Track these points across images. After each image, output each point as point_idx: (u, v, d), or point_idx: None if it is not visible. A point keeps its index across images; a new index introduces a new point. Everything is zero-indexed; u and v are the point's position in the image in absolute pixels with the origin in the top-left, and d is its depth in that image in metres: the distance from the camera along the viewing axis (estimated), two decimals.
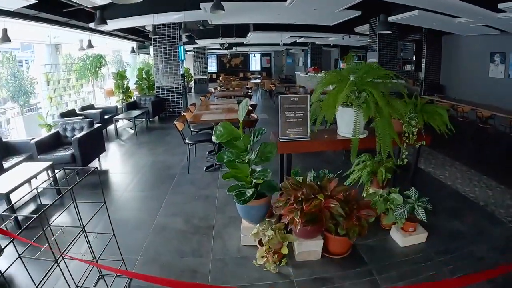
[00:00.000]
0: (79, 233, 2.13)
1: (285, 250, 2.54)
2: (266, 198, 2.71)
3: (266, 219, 2.79)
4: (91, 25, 8.03)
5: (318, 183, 2.54)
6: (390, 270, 2.62)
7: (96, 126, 5.96)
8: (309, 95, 2.76)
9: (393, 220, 2.86)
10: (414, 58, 13.01)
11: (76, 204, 2.06)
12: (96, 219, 2.29)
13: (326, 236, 2.60)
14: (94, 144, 5.57)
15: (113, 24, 8.55)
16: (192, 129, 6.04)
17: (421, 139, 2.91)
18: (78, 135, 5.10)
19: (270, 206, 2.79)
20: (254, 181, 2.54)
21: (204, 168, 5.16)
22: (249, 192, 2.53)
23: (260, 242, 2.61)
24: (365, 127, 2.94)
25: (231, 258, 2.84)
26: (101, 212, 2.23)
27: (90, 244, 2.20)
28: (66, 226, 2.11)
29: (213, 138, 2.57)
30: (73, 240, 2.04)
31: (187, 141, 5.10)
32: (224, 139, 2.50)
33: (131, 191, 4.53)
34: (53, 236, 1.96)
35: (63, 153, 4.99)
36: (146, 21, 8.94)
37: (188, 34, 11.76)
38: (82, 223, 2.12)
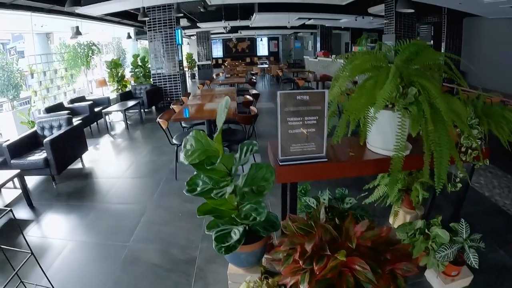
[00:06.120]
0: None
1: None
2: (262, 240, 1.91)
3: (261, 265, 2.01)
4: (78, 10, 7.21)
5: (337, 221, 1.75)
6: None
7: (76, 123, 5.21)
8: (326, 91, 1.72)
9: (435, 265, 2.08)
10: (432, 42, 11.94)
11: None
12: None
13: None
14: (72, 144, 4.78)
15: (100, 8, 7.74)
16: (183, 125, 5.27)
17: (483, 155, 1.93)
18: (51, 136, 4.31)
19: (267, 247, 2.02)
20: (241, 221, 1.73)
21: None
22: (236, 234, 1.74)
23: None
24: None
25: None
26: None
27: None
28: None
29: (181, 157, 1.74)
30: None
31: (174, 141, 4.29)
32: (197, 159, 1.69)
33: (107, 203, 3.85)
34: None
35: (35, 158, 4.21)
36: (134, 3, 8.03)
37: (183, 16, 10.83)
38: None
